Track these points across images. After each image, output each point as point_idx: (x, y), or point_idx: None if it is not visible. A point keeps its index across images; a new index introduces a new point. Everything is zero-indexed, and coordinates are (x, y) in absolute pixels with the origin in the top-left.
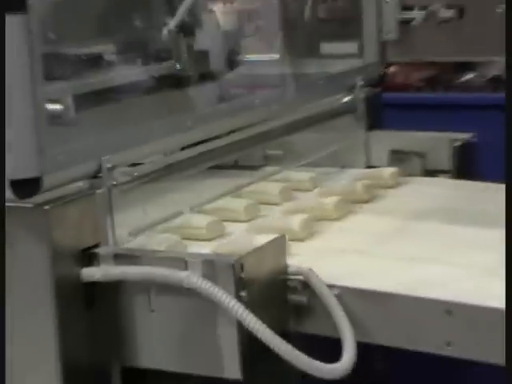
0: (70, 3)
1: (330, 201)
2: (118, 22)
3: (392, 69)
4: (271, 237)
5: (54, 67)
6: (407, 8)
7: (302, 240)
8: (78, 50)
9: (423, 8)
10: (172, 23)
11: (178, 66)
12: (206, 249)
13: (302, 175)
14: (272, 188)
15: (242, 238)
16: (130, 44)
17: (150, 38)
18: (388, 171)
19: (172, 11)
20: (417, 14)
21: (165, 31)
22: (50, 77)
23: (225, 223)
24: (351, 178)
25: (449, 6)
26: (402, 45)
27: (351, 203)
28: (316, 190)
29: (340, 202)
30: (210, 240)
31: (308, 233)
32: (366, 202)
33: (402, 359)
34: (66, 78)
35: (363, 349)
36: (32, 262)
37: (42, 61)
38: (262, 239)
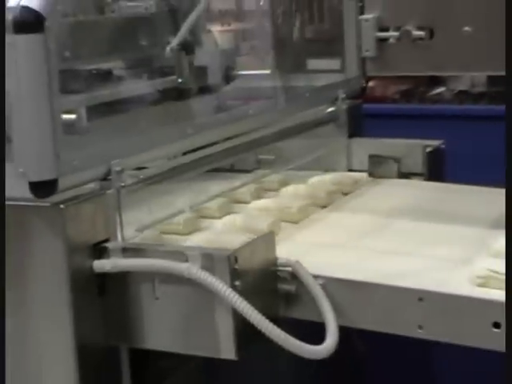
0: (84, 25)
1: (295, 204)
2: (126, 41)
3: (371, 83)
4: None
5: (69, 82)
6: (383, 29)
7: None
8: (90, 66)
9: (397, 29)
10: (174, 42)
11: (179, 80)
12: (186, 243)
13: (273, 177)
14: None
15: (224, 235)
16: (137, 61)
17: (155, 56)
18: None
19: (175, 31)
20: (392, 34)
21: (168, 49)
22: (65, 90)
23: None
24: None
25: (420, 28)
26: (379, 61)
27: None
28: (283, 190)
29: (304, 206)
30: (186, 234)
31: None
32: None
33: (379, 340)
34: (79, 91)
35: (345, 331)
36: (49, 255)
37: (59, 76)
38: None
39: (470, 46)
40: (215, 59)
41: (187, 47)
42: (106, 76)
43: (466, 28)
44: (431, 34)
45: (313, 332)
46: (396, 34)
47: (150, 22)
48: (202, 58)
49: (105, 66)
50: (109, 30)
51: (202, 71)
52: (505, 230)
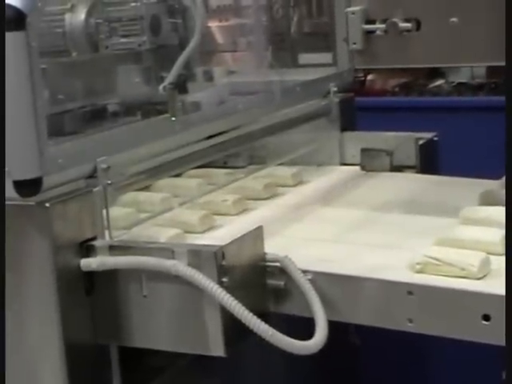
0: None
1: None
2: (119, 78)
3: (370, 76)
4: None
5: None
6: (370, 21)
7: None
8: (82, 104)
9: (384, 21)
10: (167, 81)
11: (172, 118)
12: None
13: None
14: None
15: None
16: (131, 98)
17: (148, 93)
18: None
19: (168, 67)
20: (378, 26)
21: (161, 88)
22: (59, 133)
23: None
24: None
25: (406, 20)
26: (367, 53)
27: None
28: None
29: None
30: None
31: (209, 227)
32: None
33: (374, 333)
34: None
35: (340, 325)
36: (36, 254)
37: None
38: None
39: (458, 37)
40: (209, 96)
41: (180, 86)
42: (101, 113)
43: (453, 19)
44: (418, 25)
45: (305, 326)
46: (383, 26)
47: (143, 59)
48: (195, 94)
49: (98, 104)
50: (102, 68)
51: (195, 107)
52: (505, 228)
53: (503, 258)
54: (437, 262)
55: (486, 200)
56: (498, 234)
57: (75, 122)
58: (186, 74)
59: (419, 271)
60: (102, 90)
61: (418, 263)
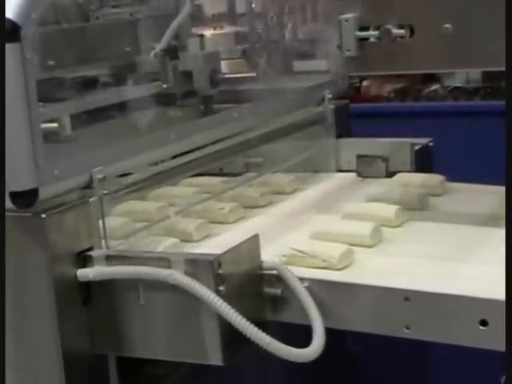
0: (68, 33)
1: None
2: (111, 47)
3: (366, 82)
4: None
5: (53, 90)
6: (363, 28)
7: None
8: (74, 73)
9: (377, 28)
10: (158, 48)
11: (164, 85)
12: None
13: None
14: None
15: None
16: (123, 67)
17: (140, 62)
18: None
19: (160, 37)
20: (372, 33)
21: (152, 55)
22: (50, 99)
23: None
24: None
25: (400, 26)
26: (361, 60)
27: None
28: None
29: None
30: None
31: (206, 235)
32: None
33: (373, 340)
34: (64, 99)
35: (337, 332)
36: (32, 265)
37: (43, 85)
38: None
39: (451, 43)
40: (200, 63)
41: (171, 52)
42: (91, 83)
43: (447, 25)
44: (412, 32)
45: (304, 334)
46: (376, 33)
47: (135, 28)
48: (186, 62)
49: (89, 73)
50: (93, 37)
51: (186, 76)
52: (505, 231)
53: (370, 250)
54: (301, 254)
55: (373, 198)
56: (368, 228)
57: (64, 90)
58: (176, 44)
59: (286, 263)
60: (93, 60)
61: (283, 255)
